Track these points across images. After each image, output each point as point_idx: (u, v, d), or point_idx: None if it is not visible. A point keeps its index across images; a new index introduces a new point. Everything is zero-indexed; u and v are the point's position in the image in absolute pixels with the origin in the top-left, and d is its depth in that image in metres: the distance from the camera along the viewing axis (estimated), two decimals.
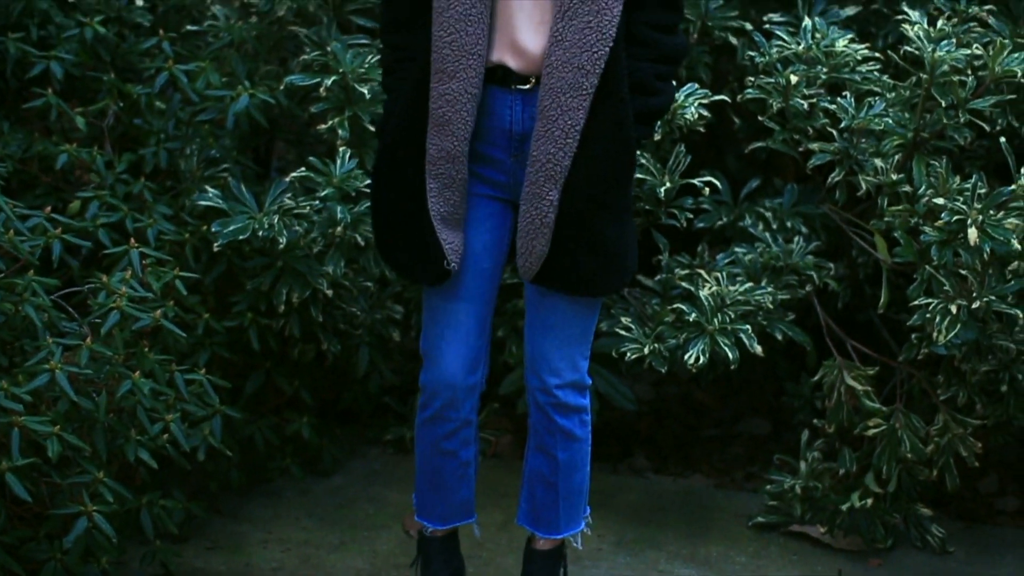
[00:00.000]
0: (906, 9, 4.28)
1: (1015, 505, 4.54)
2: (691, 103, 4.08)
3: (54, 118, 4.27)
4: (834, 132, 4.18)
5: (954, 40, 4.09)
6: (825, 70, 4.18)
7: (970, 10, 4.32)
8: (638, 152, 3.74)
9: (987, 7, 4.33)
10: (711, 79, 4.49)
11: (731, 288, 4.13)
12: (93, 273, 3.89)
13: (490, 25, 3.41)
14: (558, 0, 3.35)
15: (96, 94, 4.37)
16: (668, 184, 4.13)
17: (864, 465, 4.20)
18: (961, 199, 3.90)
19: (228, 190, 4.16)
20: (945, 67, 4.03)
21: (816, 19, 4.28)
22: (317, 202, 4.10)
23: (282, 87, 4.34)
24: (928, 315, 3.92)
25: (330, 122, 4.22)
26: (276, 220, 4.04)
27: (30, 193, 4.23)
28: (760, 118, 4.26)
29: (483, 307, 3.56)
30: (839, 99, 4.14)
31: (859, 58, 4.19)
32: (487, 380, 3.67)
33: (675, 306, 4.13)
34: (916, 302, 3.96)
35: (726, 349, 4.02)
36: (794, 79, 4.13)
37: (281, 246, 4.05)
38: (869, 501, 4.16)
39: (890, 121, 4.12)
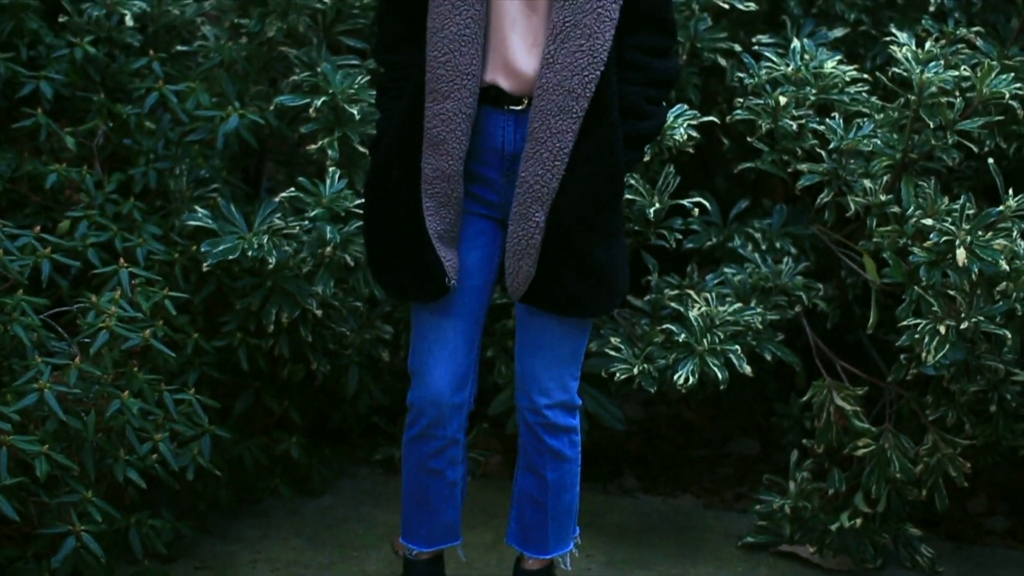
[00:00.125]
0: (894, 31, 4.30)
1: (1004, 525, 4.54)
2: (680, 124, 4.09)
3: (44, 138, 4.27)
4: (823, 153, 4.19)
5: (942, 62, 4.11)
6: (814, 91, 4.19)
7: (958, 32, 4.34)
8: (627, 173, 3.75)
9: (975, 29, 4.35)
10: (700, 100, 4.50)
11: (720, 309, 4.14)
12: (82, 293, 3.89)
13: (484, 46, 3.42)
14: (551, 22, 3.36)
15: (86, 114, 4.37)
16: (657, 205, 4.14)
17: (853, 485, 4.20)
18: (949, 220, 3.91)
19: (218, 210, 4.16)
20: (933, 88, 4.05)
21: (805, 41, 4.30)
22: (307, 222, 4.10)
23: (272, 107, 4.35)
24: (917, 335, 3.93)
25: (320, 142, 4.22)
26: (266, 240, 4.04)
27: (19, 213, 4.24)
28: (749, 139, 4.27)
29: (472, 325, 3.56)
30: (828, 120, 4.16)
31: (848, 79, 4.20)
32: (476, 400, 3.67)
33: (664, 326, 4.13)
34: (905, 322, 3.97)
35: (715, 369, 4.03)
36: (783, 100, 4.15)
37: (271, 266, 4.05)
38: (858, 521, 4.16)
39: (879, 142, 4.14)
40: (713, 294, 4.20)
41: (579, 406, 3.63)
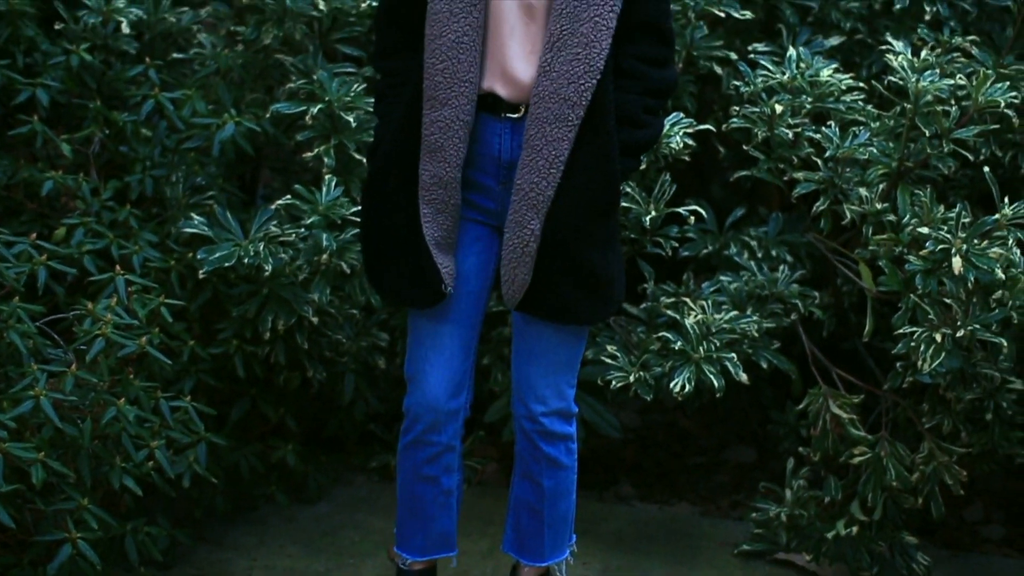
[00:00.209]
0: (890, 39, 4.30)
1: (1000, 533, 4.54)
2: (676, 132, 4.10)
3: (40, 145, 4.27)
4: (819, 161, 4.20)
5: (938, 70, 4.12)
6: (810, 99, 4.19)
7: (953, 40, 4.35)
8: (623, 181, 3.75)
9: (970, 38, 4.36)
10: (696, 108, 4.51)
11: (716, 316, 4.14)
12: (78, 300, 3.89)
13: (482, 53, 3.42)
14: (548, 31, 3.36)
15: (82, 121, 4.37)
16: (653, 213, 4.14)
17: (849, 493, 4.20)
18: (945, 228, 3.91)
19: (214, 217, 4.16)
20: (929, 97, 4.05)
21: (801, 49, 4.30)
22: (303, 230, 4.10)
23: (268, 115, 4.35)
24: (913, 343, 3.93)
25: (316, 150, 4.23)
26: (262, 247, 4.04)
27: (15, 220, 4.23)
28: (745, 147, 4.27)
29: (468, 331, 3.56)
30: (824, 128, 4.16)
31: (843, 88, 4.21)
32: (472, 407, 3.66)
33: (661, 334, 4.13)
34: (901, 331, 3.97)
35: (711, 377, 4.03)
36: (779, 108, 4.15)
37: (267, 273, 4.05)
38: (855, 529, 4.16)
39: (874, 150, 4.14)
40: (709, 302, 4.20)
41: (575, 414, 3.63)
